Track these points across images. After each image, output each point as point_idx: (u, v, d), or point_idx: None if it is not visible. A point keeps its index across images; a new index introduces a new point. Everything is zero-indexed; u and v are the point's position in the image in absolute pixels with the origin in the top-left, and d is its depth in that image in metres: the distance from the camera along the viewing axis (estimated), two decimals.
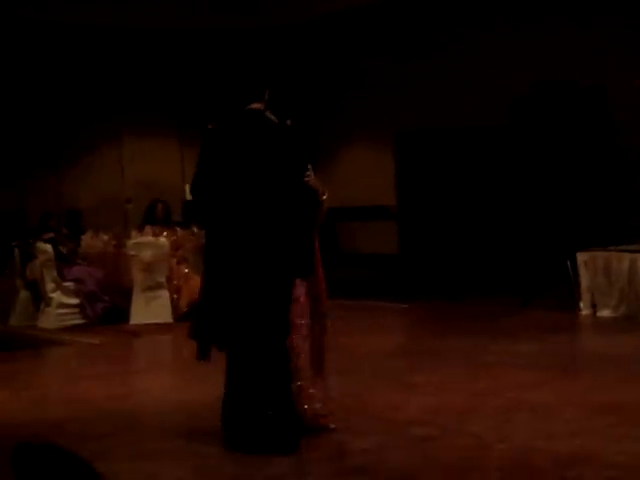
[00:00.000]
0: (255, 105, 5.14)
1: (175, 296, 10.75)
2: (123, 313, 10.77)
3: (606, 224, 11.15)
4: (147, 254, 10.71)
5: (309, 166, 5.20)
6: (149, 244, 10.84)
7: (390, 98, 14.55)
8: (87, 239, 11.76)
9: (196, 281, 10.57)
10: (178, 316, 10.62)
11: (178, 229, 11.35)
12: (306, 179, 5.10)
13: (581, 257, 9.95)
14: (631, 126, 10.87)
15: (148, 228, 11.20)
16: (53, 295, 10.71)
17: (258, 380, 4.99)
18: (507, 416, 5.60)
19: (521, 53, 12.62)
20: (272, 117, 5.23)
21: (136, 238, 11.12)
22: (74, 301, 10.79)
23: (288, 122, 5.34)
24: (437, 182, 13.69)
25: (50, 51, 14.38)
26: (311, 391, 5.25)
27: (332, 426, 5.32)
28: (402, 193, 14.48)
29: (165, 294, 10.70)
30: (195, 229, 11.20)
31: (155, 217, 11.32)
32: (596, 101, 11.64)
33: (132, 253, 10.81)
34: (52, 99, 14.54)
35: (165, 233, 11.13)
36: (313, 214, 5.23)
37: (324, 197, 5.26)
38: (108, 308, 10.86)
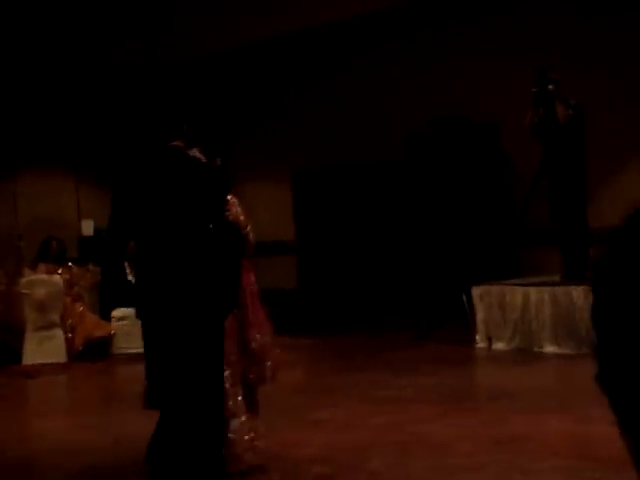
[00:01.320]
0: (175, 142, 5.09)
1: (70, 335, 10.53)
2: (15, 353, 10.49)
3: (499, 259, 11.39)
4: (41, 292, 10.49)
5: (230, 200, 5.19)
6: (43, 282, 10.61)
7: (287, 134, 14.64)
8: None
9: (91, 319, 10.44)
10: (73, 355, 10.40)
11: (73, 266, 11.14)
12: (226, 214, 5.07)
13: (476, 291, 10.13)
14: (522, 161, 11.15)
15: (42, 266, 10.98)
16: None
17: (193, 418, 4.94)
18: (406, 451, 5.63)
19: (416, 89, 12.86)
20: (194, 154, 5.20)
21: (29, 276, 10.88)
22: None
23: (218, 162, 5.31)
24: (335, 217, 13.80)
25: None
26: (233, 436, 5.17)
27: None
28: (300, 228, 14.54)
29: (59, 333, 10.48)
30: (91, 266, 11.02)
31: (49, 254, 11.09)
32: (488, 137, 11.94)
33: (25, 291, 10.56)
34: None
35: (60, 271, 10.91)
36: (236, 248, 5.20)
37: (247, 229, 5.23)
38: None
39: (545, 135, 9.67)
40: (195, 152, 5.24)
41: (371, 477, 5.13)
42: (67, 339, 10.51)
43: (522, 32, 11.88)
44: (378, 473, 5.19)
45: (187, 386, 4.91)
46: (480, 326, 10.02)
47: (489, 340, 9.95)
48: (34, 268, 11.05)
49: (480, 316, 10.03)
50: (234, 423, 5.13)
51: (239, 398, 5.19)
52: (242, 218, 5.31)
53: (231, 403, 5.13)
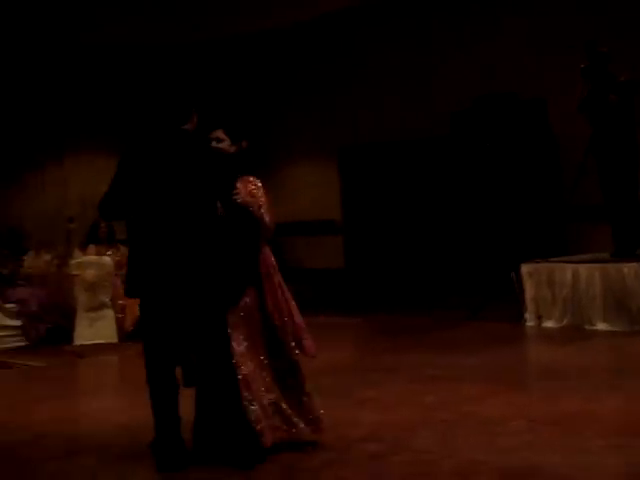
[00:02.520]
0: (186, 126, 5.07)
1: (120, 315, 10.64)
2: (67, 333, 10.63)
3: (548, 236, 11.29)
4: (90, 273, 10.60)
5: (246, 182, 5.18)
6: (92, 263, 10.72)
7: (333, 112, 14.60)
8: (29, 259, 11.59)
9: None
10: (123, 336, 10.51)
11: (122, 248, 11.21)
12: (234, 197, 5.04)
13: (525, 268, 10.05)
14: (571, 138, 11.01)
15: (91, 247, 11.08)
16: None
17: (213, 398, 5.03)
18: (454, 430, 5.60)
19: (463, 65, 12.75)
20: (217, 135, 5.21)
21: (79, 257, 11.00)
22: (16, 323, 10.62)
23: (244, 144, 5.31)
24: (381, 195, 13.75)
25: None
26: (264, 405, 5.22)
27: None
28: (347, 207, 14.52)
29: (109, 314, 10.59)
30: None
31: (98, 236, 11.19)
32: (536, 114, 11.79)
33: (75, 273, 10.68)
34: None
35: (109, 252, 11.01)
36: (248, 231, 5.18)
37: (261, 211, 5.18)
38: (51, 329, 10.71)
39: (594, 111, 9.53)
40: (219, 133, 5.25)
41: (421, 455, 5.12)
42: (117, 319, 10.62)
43: (570, 6, 11.70)
44: (430, 451, 5.18)
45: (200, 367, 5.01)
46: (529, 304, 9.96)
47: (539, 318, 9.89)
48: (84, 250, 11.16)
49: (529, 294, 9.96)
50: (259, 405, 5.14)
51: (266, 379, 5.20)
52: (256, 200, 5.20)
53: (255, 386, 5.14)
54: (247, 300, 5.21)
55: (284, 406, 5.27)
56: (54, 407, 7.16)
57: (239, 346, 5.14)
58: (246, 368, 5.13)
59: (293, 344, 5.31)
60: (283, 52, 15.30)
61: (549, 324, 9.73)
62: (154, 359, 5.03)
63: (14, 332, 10.61)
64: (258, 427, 5.11)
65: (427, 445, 5.31)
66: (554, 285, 9.77)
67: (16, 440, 6.12)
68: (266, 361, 5.26)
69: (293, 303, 5.40)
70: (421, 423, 5.82)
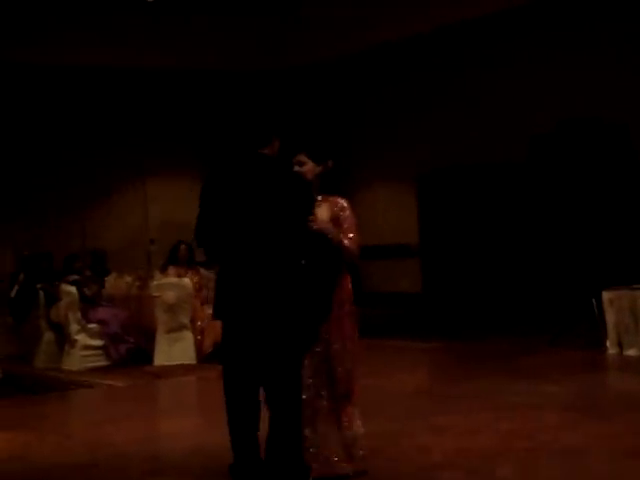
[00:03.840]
0: (265, 150, 5.05)
1: (199, 337, 10.74)
2: (147, 354, 10.78)
3: (630, 263, 11.08)
4: (170, 295, 10.73)
5: (329, 203, 5.17)
6: (172, 285, 10.85)
7: (410, 137, 14.59)
8: (111, 280, 11.82)
9: (220, 322, 10.58)
10: (202, 357, 10.61)
11: (201, 269, 11.35)
12: (310, 223, 4.97)
13: (606, 295, 9.88)
14: None
15: (171, 269, 11.22)
16: (77, 337, 10.72)
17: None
18: (536, 459, 5.53)
19: (542, 90, 12.63)
20: (300, 159, 5.22)
21: (159, 279, 11.15)
22: (98, 343, 10.80)
23: (330, 163, 5.32)
24: (459, 220, 13.67)
25: (74, 94, 14.55)
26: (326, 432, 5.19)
27: (349, 472, 5.20)
28: (424, 231, 14.46)
29: (189, 335, 10.70)
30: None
31: (178, 258, 11.34)
32: (619, 139, 11.61)
33: (156, 294, 10.83)
34: (77, 141, 14.68)
35: (188, 274, 11.15)
36: (324, 258, 5.10)
37: (339, 238, 5.08)
38: (132, 349, 10.87)
39: None
40: (300, 157, 5.24)
41: None
42: (196, 341, 10.73)
43: None
44: None
45: (272, 389, 4.95)
46: (611, 331, 9.77)
47: (620, 346, 9.70)
48: (164, 271, 11.32)
49: (611, 321, 9.78)
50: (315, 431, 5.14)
51: (322, 406, 5.18)
52: (340, 223, 5.14)
53: (310, 412, 5.12)
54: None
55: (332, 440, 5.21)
56: (134, 427, 7.26)
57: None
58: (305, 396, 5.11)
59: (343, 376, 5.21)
60: (363, 76, 15.35)
61: (630, 352, 9.54)
62: (233, 381, 5.04)
63: (96, 352, 10.80)
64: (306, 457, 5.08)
65: (505, 474, 5.25)
66: (636, 312, 9.57)
67: (96, 459, 6.22)
68: (323, 392, 5.20)
69: (355, 337, 5.30)
70: (499, 451, 5.75)
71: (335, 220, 5.16)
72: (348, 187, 14.99)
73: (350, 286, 5.32)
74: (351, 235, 5.16)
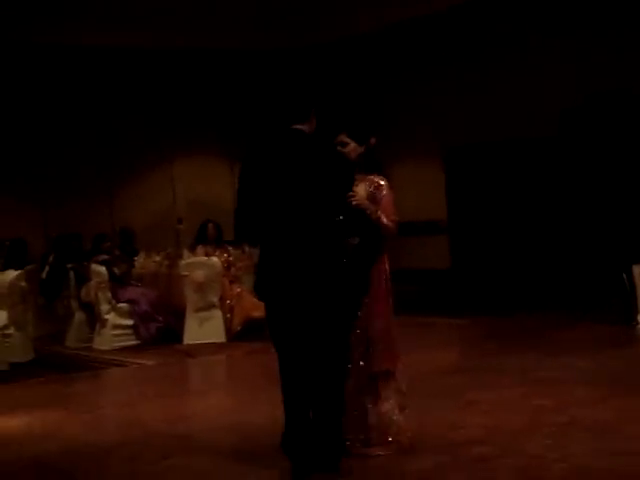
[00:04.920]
0: (298, 126, 5.00)
1: (228, 315, 10.78)
2: (176, 333, 10.84)
3: None
4: (199, 274, 10.76)
5: (366, 182, 5.15)
6: (201, 264, 10.88)
7: (439, 112, 14.48)
8: (140, 260, 11.87)
9: (249, 300, 10.63)
10: (232, 336, 10.66)
11: (230, 248, 11.37)
12: (349, 200, 4.96)
13: (637, 270, 9.80)
14: None
15: (200, 248, 11.25)
16: (108, 316, 10.79)
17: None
18: (566, 434, 5.51)
19: (574, 62, 12.49)
20: (342, 139, 5.21)
21: (188, 258, 11.19)
22: (128, 322, 10.87)
23: (372, 141, 5.30)
24: (488, 196, 13.59)
25: (99, 75, 14.57)
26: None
27: (380, 453, 5.23)
28: (453, 207, 14.39)
29: (218, 314, 10.74)
30: (247, 248, 11.21)
31: (207, 237, 11.35)
32: None
33: (185, 273, 10.87)
34: (104, 122, 14.72)
35: (217, 253, 11.17)
36: (365, 234, 5.11)
37: (377, 214, 5.11)
38: (162, 328, 10.93)
39: None
40: (342, 137, 5.23)
41: (532, 459, 5.05)
42: (226, 320, 10.76)
43: None
44: (539, 455, 5.10)
45: (316, 373, 4.95)
46: None
47: None
48: (193, 250, 11.35)
49: None
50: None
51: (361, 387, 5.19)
52: (377, 201, 5.15)
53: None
54: None
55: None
56: (166, 405, 7.31)
57: None
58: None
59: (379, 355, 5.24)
60: (392, 51, 15.24)
61: None
62: (285, 359, 5.01)
63: (127, 331, 10.86)
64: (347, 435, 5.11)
65: (538, 449, 5.23)
66: None
67: (127, 438, 6.26)
68: (362, 365, 5.22)
69: (391, 314, 5.34)
70: (531, 426, 5.74)
71: (372, 199, 5.16)
72: (383, 165, 14.99)
73: (387, 265, 5.32)
74: (388, 214, 5.17)
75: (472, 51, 14.05)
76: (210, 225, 11.39)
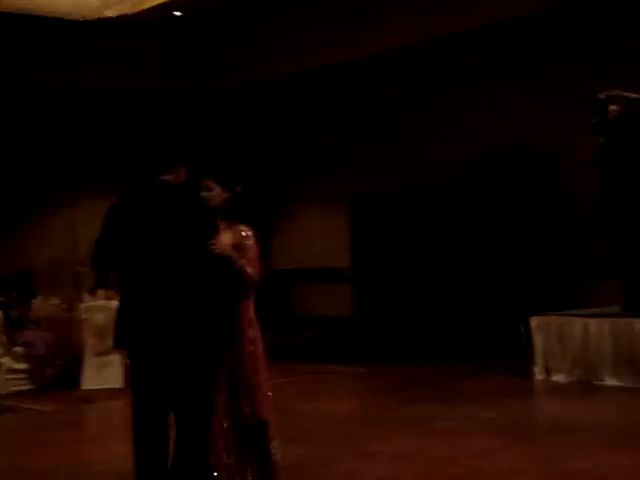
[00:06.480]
0: (164, 177, 4.98)
1: (127, 360, 10.58)
2: (74, 378, 10.60)
3: (558, 289, 11.25)
4: (99, 318, 10.58)
5: (216, 234, 4.97)
6: (101, 308, 10.70)
7: (343, 159, 14.64)
8: (38, 303, 11.60)
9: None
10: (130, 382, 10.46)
11: None
12: (210, 248, 4.85)
13: (534, 322, 10.02)
14: (582, 192, 11.01)
15: (100, 291, 11.07)
16: (3, 360, 10.50)
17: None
18: None
19: (474, 117, 12.80)
20: (208, 185, 5.19)
21: (88, 302, 11.00)
22: (23, 366, 10.60)
23: (238, 189, 5.29)
24: (391, 244, 13.72)
25: (3, 112, 14.30)
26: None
27: None
28: (356, 255, 14.49)
29: (117, 359, 10.54)
30: None
31: (107, 280, 11.18)
32: (547, 167, 11.82)
33: (84, 317, 10.68)
34: (3, 162, 14.42)
35: (118, 296, 10.98)
36: (225, 282, 5.00)
37: (240, 263, 5.01)
38: (58, 373, 10.68)
39: (605, 166, 9.56)
40: (208, 182, 5.20)
41: None
42: (125, 365, 10.57)
43: (584, 59, 11.75)
44: None
45: (178, 422, 4.88)
46: (538, 357, 9.90)
47: (547, 372, 9.82)
48: (93, 294, 11.17)
49: (538, 347, 9.91)
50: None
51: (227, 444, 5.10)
52: (244, 250, 5.10)
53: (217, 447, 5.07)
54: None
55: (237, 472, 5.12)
56: (58, 454, 7.12)
57: None
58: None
59: (247, 405, 5.11)
60: (296, 100, 15.38)
61: (558, 378, 9.67)
62: (142, 408, 4.94)
63: (21, 376, 10.60)
64: None
65: None
66: (563, 339, 9.72)
67: None
68: (226, 424, 5.11)
69: (262, 362, 5.20)
70: (430, 477, 5.77)
71: (238, 248, 5.09)
72: (281, 210, 15.05)
73: (252, 313, 5.22)
74: (253, 264, 5.12)
75: (374, 102, 14.27)
76: None
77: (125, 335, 4.94)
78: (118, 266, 5.01)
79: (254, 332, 5.19)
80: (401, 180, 13.54)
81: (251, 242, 5.19)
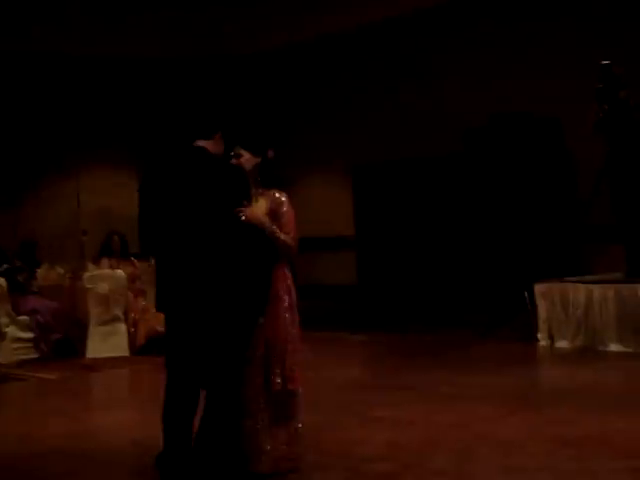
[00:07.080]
0: (200, 142, 5.01)
1: (132, 329, 10.64)
2: (75, 346, 10.64)
3: (562, 256, 11.25)
4: (104, 287, 10.62)
5: (247, 201, 5.02)
6: (106, 277, 10.73)
7: (346, 129, 14.60)
8: (42, 272, 11.61)
9: (153, 314, 10.50)
10: (135, 349, 10.52)
11: (135, 261, 11.23)
12: (239, 215, 4.90)
13: (538, 288, 10.03)
14: (585, 158, 10.98)
15: (105, 260, 11.10)
16: (7, 329, 10.53)
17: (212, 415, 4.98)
18: (469, 451, 5.57)
19: (478, 84, 12.73)
20: (237, 151, 5.17)
21: (92, 271, 11.01)
22: (28, 335, 10.63)
23: (270, 154, 5.26)
24: (394, 212, 13.73)
25: (7, 81, 14.25)
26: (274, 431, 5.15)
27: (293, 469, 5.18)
28: (360, 223, 14.49)
29: (122, 327, 10.60)
30: (152, 261, 11.07)
31: (112, 249, 11.20)
32: (551, 133, 11.77)
33: (88, 286, 10.69)
34: (9, 130, 14.38)
35: (122, 265, 11.02)
36: (257, 250, 5.03)
37: (273, 230, 5.02)
38: (61, 340, 10.72)
39: (609, 132, 9.53)
40: (237, 149, 5.19)
41: (435, 476, 5.10)
42: (130, 333, 10.62)
43: (586, 26, 11.69)
44: (442, 472, 5.15)
45: (208, 387, 4.95)
46: (542, 324, 9.94)
47: (551, 338, 9.85)
48: (97, 263, 11.18)
49: (542, 314, 9.94)
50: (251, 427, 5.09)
51: (261, 404, 5.12)
52: (278, 215, 5.08)
53: (252, 407, 5.08)
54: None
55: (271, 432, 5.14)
56: (68, 421, 7.15)
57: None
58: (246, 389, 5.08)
59: (278, 375, 5.10)
60: (301, 68, 15.32)
61: (562, 344, 9.70)
62: (175, 371, 4.99)
63: (27, 344, 10.63)
64: (249, 450, 5.05)
65: (441, 466, 5.28)
66: (567, 305, 9.74)
67: (28, 453, 6.11)
68: (262, 384, 5.11)
69: (295, 331, 5.23)
70: (435, 443, 5.79)
71: (272, 214, 5.09)
72: (285, 179, 14.98)
73: (289, 281, 5.23)
74: (288, 230, 5.11)
75: (379, 70, 14.21)
76: (115, 237, 11.25)
77: (163, 299, 5.00)
78: (162, 234, 4.96)
79: (290, 299, 5.19)
80: (404, 149, 13.51)
81: (286, 208, 5.14)
